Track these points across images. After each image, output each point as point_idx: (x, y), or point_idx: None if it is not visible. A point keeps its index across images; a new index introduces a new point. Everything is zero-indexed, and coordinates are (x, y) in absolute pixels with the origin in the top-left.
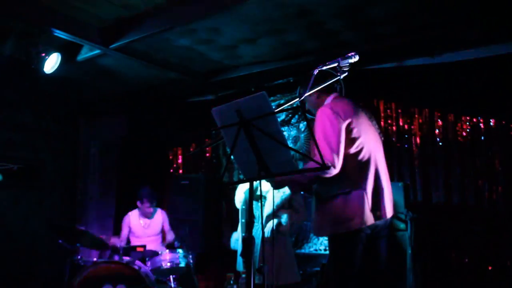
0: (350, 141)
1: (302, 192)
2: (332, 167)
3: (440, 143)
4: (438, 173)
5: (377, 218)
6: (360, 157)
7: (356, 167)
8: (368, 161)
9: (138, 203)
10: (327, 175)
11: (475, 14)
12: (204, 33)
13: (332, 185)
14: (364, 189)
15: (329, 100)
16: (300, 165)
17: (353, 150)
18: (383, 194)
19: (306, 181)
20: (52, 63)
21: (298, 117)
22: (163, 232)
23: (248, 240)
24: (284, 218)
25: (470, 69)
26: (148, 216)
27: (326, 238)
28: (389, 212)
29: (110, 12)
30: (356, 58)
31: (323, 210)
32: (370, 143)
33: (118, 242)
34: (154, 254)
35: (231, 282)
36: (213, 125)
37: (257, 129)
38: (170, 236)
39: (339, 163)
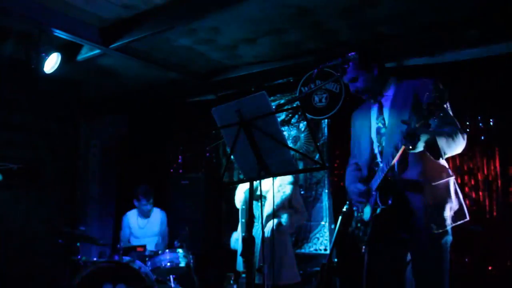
0: None
1: (302, 192)
2: (464, 141)
3: None
4: None
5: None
6: None
7: None
8: None
9: (135, 202)
10: (462, 146)
11: (475, 14)
12: (204, 33)
13: (443, 167)
14: None
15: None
16: (300, 165)
17: None
18: None
19: (457, 149)
20: (52, 63)
21: (298, 117)
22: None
23: (248, 240)
24: (284, 218)
25: (470, 69)
26: (146, 215)
27: (326, 238)
28: None
29: (110, 12)
30: (356, 58)
31: (436, 200)
32: None
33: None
34: (154, 254)
35: (231, 282)
36: (213, 125)
37: (257, 129)
38: (165, 241)
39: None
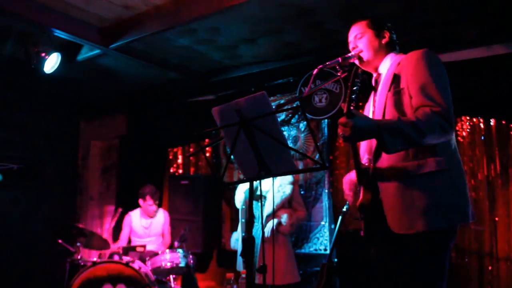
0: None
1: (302, 192)
2: (451, 125)
3: None
4: None
5: (473, 216)
6: None
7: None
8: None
9: (141, 202)
10: (445, 137)
11: (475, 14)
12: (204, 33)
13: (432, 155)
14: (463, 170)
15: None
16: (300, 165)
17: None
18: None
19: (418, 139)
20: (52, 63)
21: (298, 117)
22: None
23: (248, 240)
24: (284, 218)
25: (470, 69)
26: (151, 215)
27: (326, 238)
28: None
29: (110, 12)
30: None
31: (414, 194)
32: None
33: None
34: (154, 254)
35: (231, 282)
36: (213, 125)
37: (257, 129)
38: (167, 240)
39: (454, 122)
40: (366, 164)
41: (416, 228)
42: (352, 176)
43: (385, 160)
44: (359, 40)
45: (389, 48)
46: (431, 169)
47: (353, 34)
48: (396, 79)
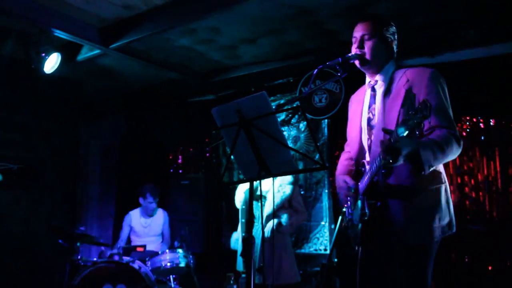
0: None
1: (302, 192)
2: (461, 146)
3: None
4: None
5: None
6: None
7: None
8: None
9: (141, 200)
10: (456, 156)
11: (475, 14)
12: (204, 33)
13: (434, 172)
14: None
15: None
16: (300, 165)
17: None
18: None
19: (441, 159)
20: (52, 63)
21: (298, 117)
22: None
23: (248, 240)
24: (284, 218)
25: (470, 69)
26: (150, 213)
27: (326, 238)
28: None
29: (110, 12)
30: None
31: (420, 209)
32: None
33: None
34: (154, 254)
35: (231, 282)
36: (213, 125)
37: (257, 129)
38: (167, 240)
39: None
40: (362, 169)
41: (422, 240)
42: (347, 180)
43: (393, 177)
44: (366, 41)
45: (391, 56)
46: (434, 185)
47: (361, 32)
48: (409, 96)
